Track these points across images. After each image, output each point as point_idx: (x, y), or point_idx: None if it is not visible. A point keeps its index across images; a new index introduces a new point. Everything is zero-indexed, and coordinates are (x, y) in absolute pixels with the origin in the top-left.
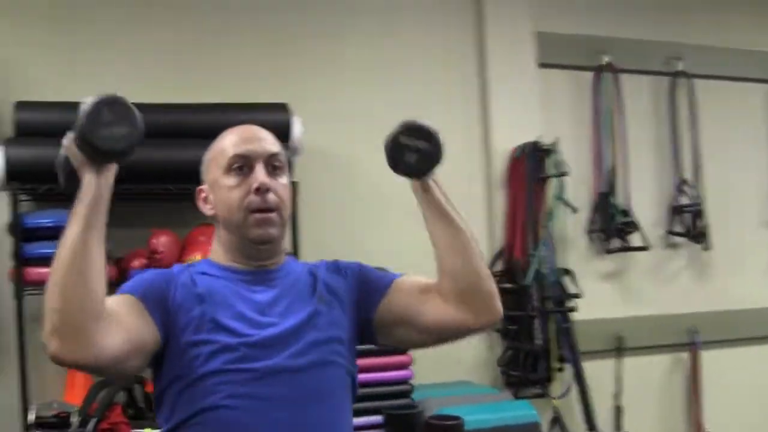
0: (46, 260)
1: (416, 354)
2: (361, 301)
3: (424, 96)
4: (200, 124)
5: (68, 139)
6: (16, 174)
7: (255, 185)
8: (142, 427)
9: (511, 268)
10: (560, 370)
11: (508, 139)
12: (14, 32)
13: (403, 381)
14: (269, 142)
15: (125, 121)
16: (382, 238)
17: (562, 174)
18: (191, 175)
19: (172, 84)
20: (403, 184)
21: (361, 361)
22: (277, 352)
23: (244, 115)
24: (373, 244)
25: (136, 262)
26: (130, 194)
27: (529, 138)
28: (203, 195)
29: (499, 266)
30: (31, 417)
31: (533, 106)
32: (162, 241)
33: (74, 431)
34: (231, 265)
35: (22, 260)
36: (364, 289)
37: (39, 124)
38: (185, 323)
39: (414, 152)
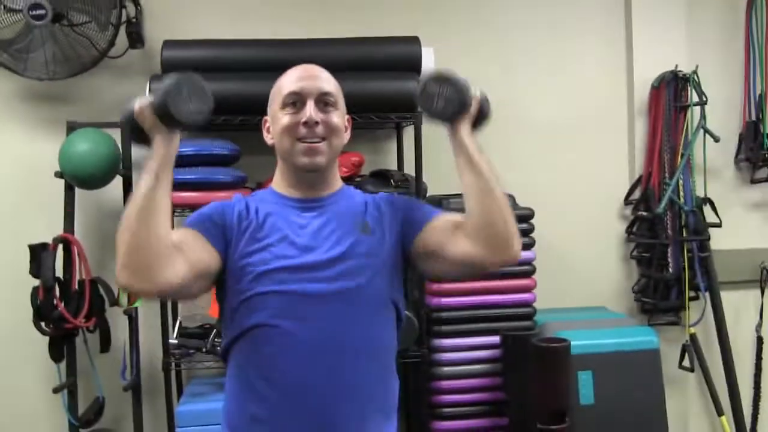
0: (185, 186)
1: (554, 280)
2: (403, 233)
3: (566, 26)
4: (329, 59)
5: (140, 103)
6: None
7: (303, 119)
8: None
9: (647, 196)
10: (694, 298)
11: (651, 67)
12: None
13: (525, 304)
14: (322, 81)
15: (199, 98)
16: (514, 173)
17: (702, 103)
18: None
19: (305, 19)
20: (539, 119)
21: (485, 284)
22: (316, 275)
23: (374, 48)
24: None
25: None
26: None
27: (673, 66)
28: (267, 125)
29: (637, 194)
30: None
31: (678, 33)
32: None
33: (211, 342)
34: (286, 193)
35: None
36: (408, 221)
37: (183, 60)
38: (239, 248)
39: (441, 99)
